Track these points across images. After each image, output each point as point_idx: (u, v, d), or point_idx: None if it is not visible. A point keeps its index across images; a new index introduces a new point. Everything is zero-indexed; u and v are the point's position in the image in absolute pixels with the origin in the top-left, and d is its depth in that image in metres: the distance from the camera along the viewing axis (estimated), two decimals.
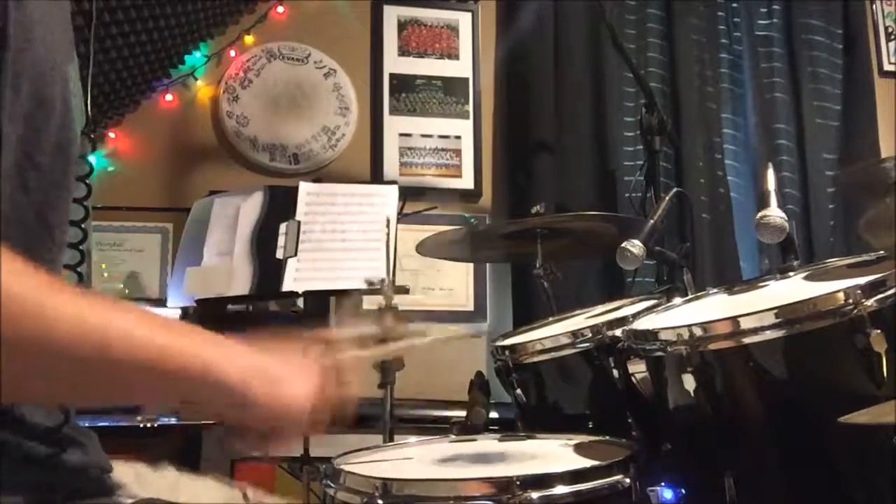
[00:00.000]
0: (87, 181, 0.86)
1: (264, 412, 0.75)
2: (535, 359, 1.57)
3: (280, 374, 0.77)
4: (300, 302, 2.62)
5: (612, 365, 1.44)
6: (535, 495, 1.05)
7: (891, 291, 1.03)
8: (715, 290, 1.46)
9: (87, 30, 2.15)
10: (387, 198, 2.12)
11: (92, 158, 2.50)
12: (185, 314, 2.43)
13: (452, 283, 2.90)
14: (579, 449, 1.31)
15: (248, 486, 1.01)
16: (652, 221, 1.59)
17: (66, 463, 0.79)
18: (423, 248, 2.07)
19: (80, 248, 0.83)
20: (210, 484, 1.01)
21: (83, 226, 0.85)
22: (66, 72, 0.78)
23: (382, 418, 1.81)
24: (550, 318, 1.84)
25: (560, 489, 1.07)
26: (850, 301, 1.02)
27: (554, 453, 1.31)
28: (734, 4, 3.16)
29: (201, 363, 0.71)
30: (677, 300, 1.48)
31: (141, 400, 0.95)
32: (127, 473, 0.93)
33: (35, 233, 0.76)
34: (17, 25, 0.69)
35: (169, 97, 2.81)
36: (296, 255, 2.00)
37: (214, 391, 0.72)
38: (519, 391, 1.59)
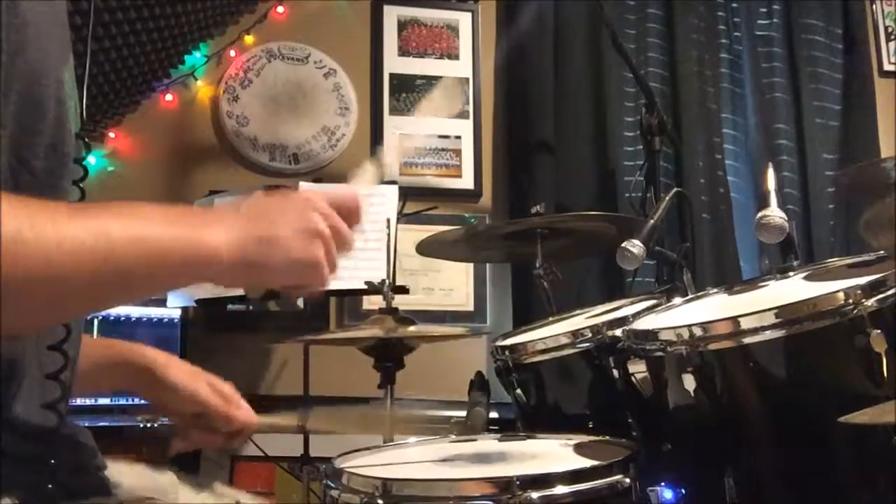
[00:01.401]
0: (81, 185, 0.85)
1: (277, 276, 0.79)
2: (535, 359, 1.56)
3: (282, 233, 0.78)
4: (300, 302, 2.63)
5: (612, 365, 1.44)
6: (535, 495, 1.05)
7: (891, 291, 1.03)
8: (715, 290, 1.46)
9: (85, 29, 2.15)
10: (387, 198, 2.13)
11: (91, 159, 2.49)
12: (185, 314, 2.44)
13: (452, 283, 2.90)
14: (579, 449, 1.31)
15: (244, 494, 1.01)
16: (652, 221, 1.59)
17: (61, 462, 0.79)
18: (423, 248, 2.07)
19: None
20: (206, 489, 1.01)
21: None
22: (61, 73, 0.78)
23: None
24: (550, 318, 1.84)
25: (560, 489, 1.07)
26: (850, 301, 1.02)
27: (554, 453, 1.31)
28: (734, 4, 3.16)
29: (210, 247, 0.74)
30: (677, 300, 1.48)
31: (158, 293, 1.01)
32: (126, 473, 0.93)
33: None
34: (9, 28, 0.69)
35: (169, 97, 2.82)
36: None
37: (223, 271, 0.75)
38: (519, 391, 1.59)
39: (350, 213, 0.85)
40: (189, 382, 1.06)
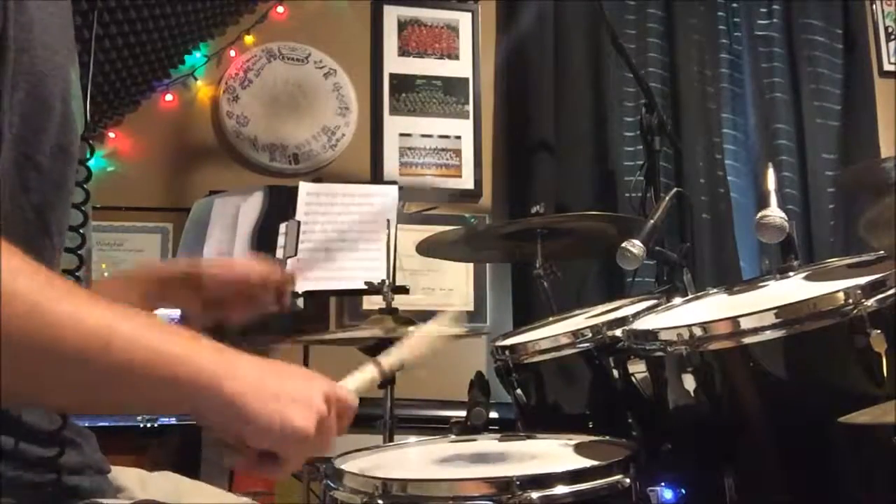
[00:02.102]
0: (85, 186, 0.85)
1: (261, 431, 0.72)
2: (535, 359, 1.56)
3: (283, 392, 0.74)
4: (300, 302, 2.62)
5: (612, 365, 1.44)
6: (535, 495, 1.05)
7: (891, 291, 1.03)
8: (715, 290, 1.46)
9: (86, 31, 2.15)
10: (387, 198, 2.12)
11: (91, 160, 2.49)
12: (185, 314, 2.43)
13: (452, 283, 2.90)
14: (579, 449, 1.31)
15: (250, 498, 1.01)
16: (652, 221, 1.59)
17: (64, 464, 0.79)
18: (423, 248, 2.07)
19: (79, 252, 0.83)
20: (211, 491, 1.01)
21: (82, 231, 0.84)
22: (67, 73, 0.78)
23: (382, 418, 1.81)
24: (550, 318, 1.84)
25: (560, 489, 1.07)
26: (850, 301, 1.02)
27: (554, 453, 1.31)
28: (734, 4, 3.16)
29: (206, 375, 0.70)
30: (677, 300, 1.48)
31: (140, 408, 0.96)
32: (129, 477, 0.93)
33: (33, 232, 0.75)
34: (16, 26, 0.69)
35: (169, 97, 2.82)
36: (296, 255, 2.00)
37: (213, 404, 0.70)
38: (519, 391, 1.59)
39: (343, 416, 0.82)
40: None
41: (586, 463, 1.17)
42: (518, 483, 1.05)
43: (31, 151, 0.73)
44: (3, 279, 0.60)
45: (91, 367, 0.65)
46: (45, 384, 0.65)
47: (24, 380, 0.62)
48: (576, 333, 1.50)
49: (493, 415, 1.86)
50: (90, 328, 0.64)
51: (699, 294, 1.49)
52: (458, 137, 3.00)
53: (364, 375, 0.94)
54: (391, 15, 3.03)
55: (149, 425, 2.05)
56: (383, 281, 1.84)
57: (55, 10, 0.77)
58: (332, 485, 1.19)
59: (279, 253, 2.02)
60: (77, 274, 0.82)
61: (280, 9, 2.92)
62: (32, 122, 0.72)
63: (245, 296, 1.12)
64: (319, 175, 2.84)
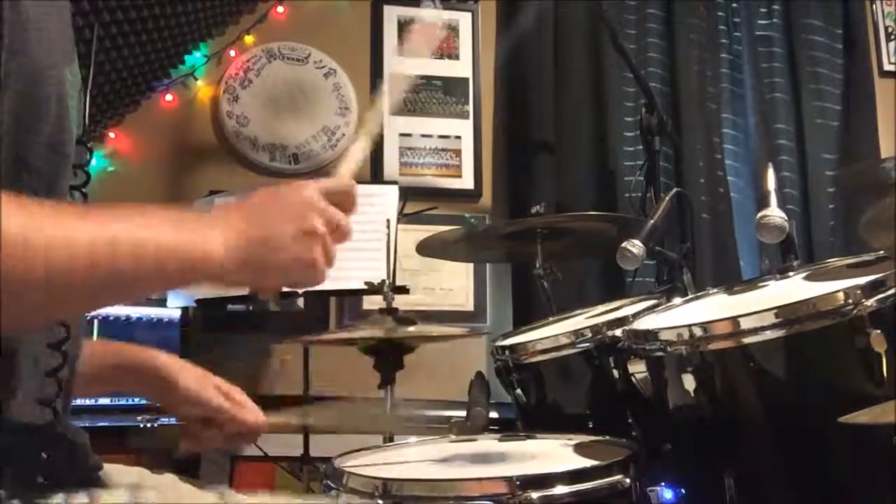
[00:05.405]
0: (84, 190, 0.86)
1: (280, 274, 0.81)
2: (535, 359, 1.56)
3: (280, 234, 0.80)
4: (300, 302, 2.63)
5: (612, 365, 1.44)
6: (535, 495, 1.05)
7: (891, 291, 1.03)
8: (715, 290, 1.46)
9: (86, 30, 2.15)
10: (387, 198, 2.12)
11: (91, 160, 2.49)
12: (186, 314, 2.44)
13: (452, 283, 2.90)
14: (579, 449, 1.31)
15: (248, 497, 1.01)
16: (652, 221, 1.59)
17: (54, 459, 0.79)
18: (423, 248, 2.07)
19: None
20: (207, 495, 1.01)
21: None
22: (63, 73, 0.78)
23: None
24: (550, 318, 1.84)
25: (560, 489, 1.07)
26: (850, 301, 1.02)
27: (554, 453, 1.31)
28: (734, 4, 3.16)
29: (207, 254, 0.75)
30: (677, 300, 1.48)
31: (143, 295, 1.02)
32: (127, 475, 0.93)
33: None
34: (10, 26, 0.69)
35: (169, 97, 2.82)
36: None
37: (226, 276, 0.77)
38: (519, 391, 1.59)
39: (345, 201, 0.87)
40: (199, 388, 1.10)
41: (586, 463, 1.17)
42: (518, 483, 1.05)
43: (22, 152, 0.73)
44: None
45: (100, 280, 0.69)
46: (55, 306, 0.70)
47: (32, 310, 0.67)
48: (576, 333, 1.50)
49: (493, 415, 1.86)
50: (91, 250, 0.67)
51: (699, 294, 1.50)
52: (458, 137, 3.00)
53: (356, 154, 0.97)
54: (391, 15, 3.03)
55: (149, 425, 2.05)
56: (383, 281, 1.84)
57: (52, 10, 0.77)
58: (332, 485, 1.19)
59: None
60: None
61: (280, 9, 2.92)
62: (25, 123, 0.72)
63: (204, 425, 1.12)
64: (319, 175, 2.84)
